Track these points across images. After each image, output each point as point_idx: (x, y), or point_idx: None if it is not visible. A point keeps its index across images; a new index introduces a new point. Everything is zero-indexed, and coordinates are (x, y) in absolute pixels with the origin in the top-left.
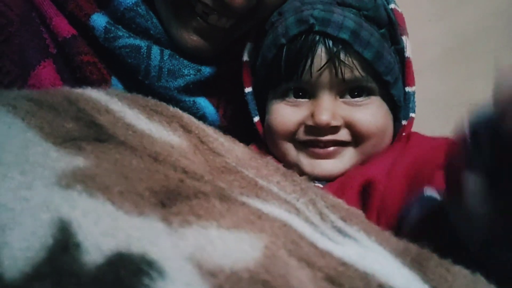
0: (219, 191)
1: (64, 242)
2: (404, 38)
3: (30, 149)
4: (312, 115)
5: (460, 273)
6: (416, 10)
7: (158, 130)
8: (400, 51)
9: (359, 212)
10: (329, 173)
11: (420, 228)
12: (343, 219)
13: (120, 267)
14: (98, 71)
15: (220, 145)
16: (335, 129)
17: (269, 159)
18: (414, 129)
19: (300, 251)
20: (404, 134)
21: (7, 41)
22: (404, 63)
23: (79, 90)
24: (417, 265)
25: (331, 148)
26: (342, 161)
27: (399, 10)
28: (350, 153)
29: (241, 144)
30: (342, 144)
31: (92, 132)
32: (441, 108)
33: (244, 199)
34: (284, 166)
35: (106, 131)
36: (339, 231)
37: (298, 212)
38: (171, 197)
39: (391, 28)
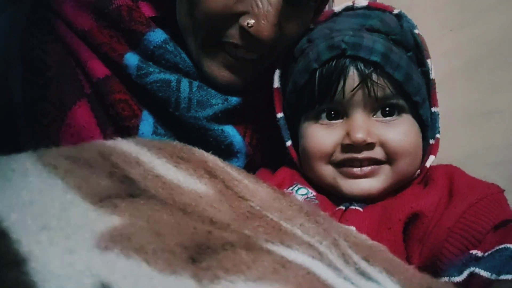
0: (245, 240)
1: None
2: (428, 61)
3: (71, 211)
4: (348, 134)
5: None
6: (438, 20)
7: (185, 179)
8: (426, 73)
9: (383, 248)
10: (368, 192)
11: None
12: (366, 259)
13: None
14: (129, 107)
15: (244, 188)
16: (370, 146)
17: (293, 197)
18: (442, 140)
19: None
20: (445, 171)
21: (46, 85)
22: (429, 85)
23: (111, 143)
24: None
25: (368, 168)
26: (379, 180)
27: (421, 35)
28: (386, 172)
29: (265, 184)
30: (377, 162)
31: (125, 188)
32: (465, 119)
33: (269, 246)
34: (321, 187)
35: (138, 185)
36: (362, 273)
37: (321, 256)
38: (200, 251)
39: (417, 51)
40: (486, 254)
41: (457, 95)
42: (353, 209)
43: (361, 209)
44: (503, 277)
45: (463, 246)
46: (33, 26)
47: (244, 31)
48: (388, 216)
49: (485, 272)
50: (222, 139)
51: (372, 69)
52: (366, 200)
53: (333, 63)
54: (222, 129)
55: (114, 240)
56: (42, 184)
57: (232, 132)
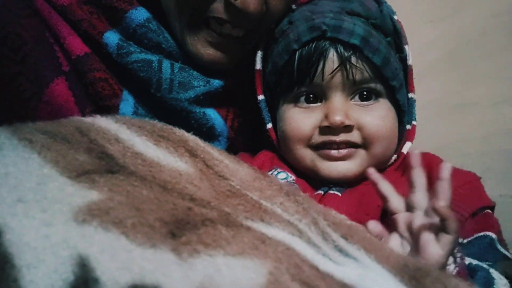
0: (225, 217)
1: (84, 278)
2: (406, 47)
3: (47, 185)
4: (326, 117)
5: (459, 286)
6: (417, 11)
7: (165, 157)
8: (403, 59)
9: (361, 228)
10: (344, 175)
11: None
12: (345, 237)
13: None
14: (109, 86)
15: (225, 168)
16: (348, 129)
17: (273, 178)
18: (419, 130)
19: (302, 275)
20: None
21: (23, 61)
22: (406, 71)
23: (89, 120)
24: (415, 283)
25: (345, 150)
26: (356, 163)
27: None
28: (362, 156)
29: (245, 165)
30: (354, 146)
31: (104, 164)
32: (443, 110)
33: (249, 223)
34: (300, 171)
35: (117, 161)
36: (340, 251)
37: (300, 234)
38: (180, 227)
39: (396, 37)
40: (466, 241)
41: (435, 86)
42: (331, 193)
43: (339, 194)
44: (485, 264)
45: None
46: (10, 0)
47: (230, 5)
48: (366, 202)
49: (474, 260)
50: (204, 122)
51: (351, 52)
52: (344, 184)
53: (313, 45)
54: (204, 112)
55: (92, 214)
56: (18, 158)
57: (213, 115)
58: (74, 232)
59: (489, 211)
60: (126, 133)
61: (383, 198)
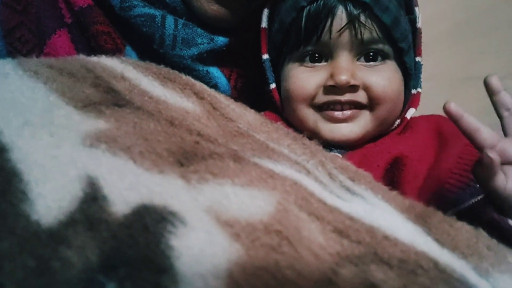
0: (232, 153)
1: (93, 195)
2: (416, 9)
3: (54, 112)
4: (332, 76)
5: (463, 228)
6: None
7: (172, 96)
8: (413, 21)
9: (367, 174)
10: (347, 137)
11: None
12: (351, 179)
13: (145, 215)
14: (112, 40)
15: (231, 111)
16: (354, 89)
17: (280, 125)
18: (423, 102)
19: (310, 207)
20: (426, 119)
21: (25, 10)
22: (415, 34)
23: (95, 58)
24: (421, 221)
25: (349, 112)
26: (359, 125)
27: None
28: (366, 117)
29: (252, 110)
30: (359, 106)
31: (110, 98)
32: (449, 82)
33: (257, 160)
34: (301, 132)
35: (124, 97)
36: (347, 189)
37: (308, 172)
38: (188, 157)
39: None
40: None
41: (442, 58)
42: (332, 155)
43: (340, 156)
44: None
45: (464, 184)
46: None
47: None
48: (367, 163)
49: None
50: (207, 81)
51: (360, 9)
52: (345, 146)
53: (322, 2)
54: (207, 70)
55: (100, 140)
56: (23, 86)
57: (217, 74)
58: (82, 154)
59: None
60: (133, 72)
61: (469, 133)
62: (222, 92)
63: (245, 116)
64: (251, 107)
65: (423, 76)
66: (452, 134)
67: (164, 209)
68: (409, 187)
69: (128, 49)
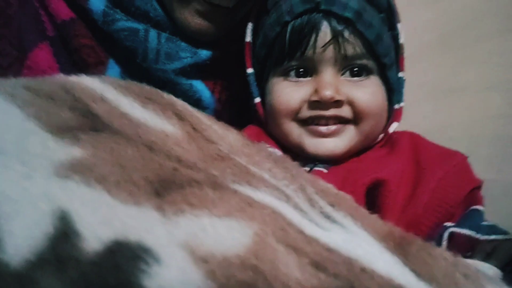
0: (212, 179)
1: (64, 231)
2: (399, 25)
3: (28, 139)
4: (316, 91)
5: (441, 256)
6: None
7: (152, 118)
8: (395, 37)
9: (348, 197)
10: (332, 152)
11: None
12: (331, 204)
13: (118, 253)
14: (95, 53)
15: (213, 132)
16: (338, 104)
17: (262, 145)
18: (407, 112)
19: (288, 238)
20: (408, 137)
21: (6, 24)
22: (398, 49)
23: (74, 78)
24: (399, 249)
25: (334, 127)
26: (344, 139)
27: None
28: (351, 132)
29: (234, 131)
30: (344, 121)
31: (88, 122)
32: (432, 93)
33: (236, 186)
34: (286, 147)
35: (102, 120)
36: (327, 217)
37: (288, 198)
38: (165, 186)
39: (389, 13)
40: (461, 217)
41: (426, 69)
42: (317, 170)
43: (325, 171)
44: (492, 237)
45: (438, 220)
46: None
47: None
48: (352, 179)
49: (467, 230)
50: (191, 94)
51: (344, 26)
52: (330, 161)
53: (306, 17)
54: (190, 84)
55: (74, 170)
56: None
57: (200, 87)
58: (55, 186)
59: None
60: (112, 93)
61: None
62: (207, 105)
63: (227, 138)
64: (236, 119)
65: (408, 86)
66: (428, 165)
67: (138, 245)
68: (388, 212)
69: (111, 62)
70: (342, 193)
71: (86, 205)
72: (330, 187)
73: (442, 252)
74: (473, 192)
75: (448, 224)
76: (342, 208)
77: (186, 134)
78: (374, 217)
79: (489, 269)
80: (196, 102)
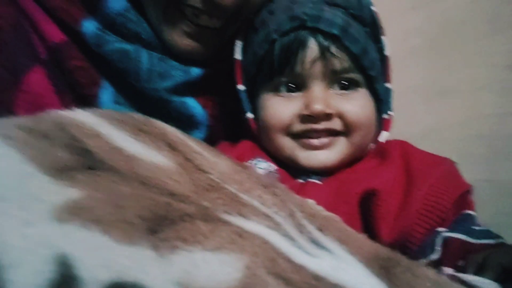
0: (203, 211)
1: (65, 276)
2: (383, 38)
3: (27, 182)
4: (307, 105)
5: (426, 276)
6: None
7: (145, 151)
8: (380, 49)
9: (337, 219)
10: (324, 164)
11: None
12: (320, 229)
13: None
14: (88, 75)
15: (204, 161)
16: (328, 117)
17: (252, 170)
18: (400, 116)
19: (277, 268)
20: (398, 146)
21: None
22: (384, 61)
23: (69, 114)
24: (385, 273)
25: (326, 139)
26: (336, 151)
27: (378, 13)
28: (343, 144)
29: (224, 157)
30: (335, 134)
31: (84, 160)
32: (423, 96)
33: (227, 217)
34: (280, 160)
35: (97, 157)
36: (315, 242)
37: (277, 226)
38: (159, 223)
39: (374, 27)
40: (452, 222)
41: (417, 72)
42: (311, 182)
43: (319, 182)
44: (484, 241)
45: (430, 226)
46: None
47: None
48: (345, 190)
49: (460, 234)
50: (183, 111)
51: (330, 41)
52: (323, 173)
53: (293, 35)
54: (183, 101)
55: (72, 213)
56: None
57: (193, 104)
58: (55, 231)
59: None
60: (106, 127)
61: None
62: (200, 121)
63: (218, 165)
64: (229, 134)
65: (401, 90)
66: (418, 173)
67: (134, 286)
68: (382, 221)
69: (105, 83)
70: (330, 215)
71: (85, 248)
72: (319, 209)
73: (426, 272)
74: (464, 196)
75: (440, 229)
76: (330, 232)
77: (178, 165)
78: (362, 237)
79: (489, 285)
80: (189, 118)
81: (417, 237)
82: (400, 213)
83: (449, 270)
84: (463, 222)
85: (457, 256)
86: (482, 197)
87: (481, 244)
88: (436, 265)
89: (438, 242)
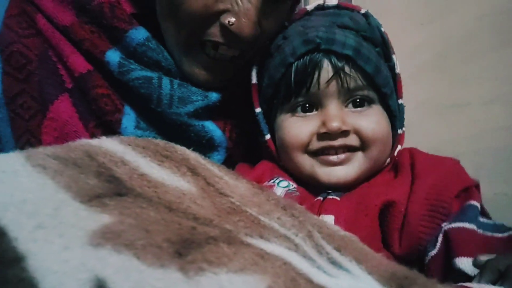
0: (226, 234)
1: None
2: (394, 56)
3: (63, 210)
4: (324, 123)
5: None
6: (407, 14)
7: (169, 177)
8: (391, 67)
9: (354, 238)
10: (344, 180)
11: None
12: (338, 249)
13: None
14: (111, 102)
15: (225, 185)
16: (345, 134)
17: (270, 192)
18: (413, 130)
19: None
20: (407, 154)
21: (27, 79)
22: (395, 78)
23: (96, 142)
24: None
25: (343, 155)
26: (354, 166)
27: (387, 33)
28: (360, 159)
29: (244, 180)
30: (352, 149)
31: (113, 187)
32: (435, 110)
33: (249, 239)
34: (299, 179)
35: (125, 184)
36: (333, 263)
37: (297, 248)
38: (185, 246)
39: (384, 47)
40: (456, 214)
41: (427, 87)
42: (330, 198)
43: (338, 198)
44: (497, 234)
45: (435, 224)
46: (13, 20)
47: (226, 29)
48: (365, 203)
49: (462, 223)
50: (203, 134)
51: (344, 62)
52: (342, 189)
53: (308, 57)
54: (202, 125)
55: (106, 237)
56: (33, 184)
57: (212, 127)
58: (91, 256)
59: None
60: (132, 154)
61: None
62: (219, 143)
63: (238, 188)
64: (247, 155)
65: (412, 105)
66: (419, 172)
67: None
68: (398, 232)
69: (127, 108)
70: (347, 234)
71: (119, 271)
72: (336, 230)
73: None
74: (468, 191)
75: (444, 224)
76: (348, 251)
77: (200, 189)
78: (379, 256)
79: None
80: (208, 141)
81: (423, 238)
82: (406, 219)
83: (463, 260)
84: (467, 212)
85: (473, 247)
86: (499, 211)
87: (492, 237)
88: (448, 257)
89: (439, 237)
